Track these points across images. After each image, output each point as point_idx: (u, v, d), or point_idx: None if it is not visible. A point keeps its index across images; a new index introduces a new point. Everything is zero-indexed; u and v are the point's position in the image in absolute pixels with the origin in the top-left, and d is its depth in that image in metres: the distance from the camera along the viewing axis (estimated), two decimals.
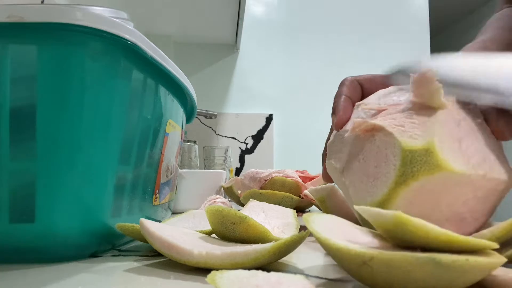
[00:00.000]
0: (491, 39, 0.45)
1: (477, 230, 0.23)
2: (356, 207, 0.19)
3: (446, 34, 2.63)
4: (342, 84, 0.33)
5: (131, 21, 0.37)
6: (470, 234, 0.23)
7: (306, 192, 0.60)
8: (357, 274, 0.19)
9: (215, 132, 1.42)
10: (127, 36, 0.27)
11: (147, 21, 1.21)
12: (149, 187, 0.36)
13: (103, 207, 0.28)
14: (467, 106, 0.25)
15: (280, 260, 0.27)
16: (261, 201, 0.40)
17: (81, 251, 0.28)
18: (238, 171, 1.42)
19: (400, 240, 0.19)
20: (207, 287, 0.20)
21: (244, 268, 0.21)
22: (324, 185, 0.51)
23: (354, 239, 0.21)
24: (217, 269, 0.21)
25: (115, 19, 0.27)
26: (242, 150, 1.43)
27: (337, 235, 0.20)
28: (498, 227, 0.21)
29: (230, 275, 0.17)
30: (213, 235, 0.30)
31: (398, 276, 0.17)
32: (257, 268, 0.19)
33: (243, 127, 1.44)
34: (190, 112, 0.48)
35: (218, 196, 0.53)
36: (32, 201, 0.25)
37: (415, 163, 0.22)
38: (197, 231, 0.30)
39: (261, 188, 0.61)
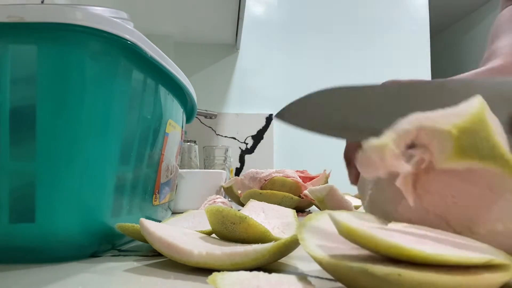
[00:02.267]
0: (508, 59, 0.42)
1: None
2: (328, 212, 0.18)
3: (446, 34, 2.63)
4: None
5: (131, 21, 0.37)
6: None
7: (306, 192, 0.60)
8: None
9: (215, 132, 1.42)
10: (127, 36, 0.27)
11: (147, 21, 1.21)
12: (149, 187, 0.36)
13: (103, 207, 0.28)
14: None
15: (280, 260, 0.26)
16: (261, 201, 0.40)
17: (81, 251, 0.28)
18: (238, 171, 1.42)
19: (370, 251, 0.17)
20: (207, 287, 0.20)
21: (244, 268, 0.21)
22: (323, 185, 0.52)
23: (338, 244, 0.20)
24: (217, 269, 0.21)
25: (115, 19, 0.27)
26: (242, 150, 1.43)
27: (327, 241, 0.20)
28: None
29: (231, 276, 0.17)
30: (213, 235, 0.30)
31: (347, 282, 0.17)
32: (257, 269, 0.19)
33: (243, 127, 1.44)
34: (190, 112, 0.48)
35: (218, 196, 0.53)
36: (32, 201, 0.25)
37: None
38: (197, 231, 0.30)
39: (261, 188, 0.61)
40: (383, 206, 0.22)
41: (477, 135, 0.17)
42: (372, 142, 0.19)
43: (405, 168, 0.19)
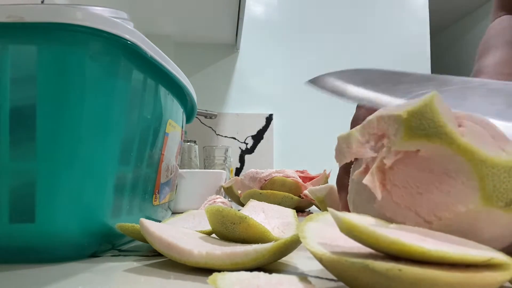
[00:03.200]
0: (502, 61, 0.44)
1: None
2: (329, 209, 0.18)
3: (446, 34, 2.63)
4: (360, 106, 0.31)
5: (131, 21, 0.37)
6: None
7: (306, 192, 0.60)
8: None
9: (215, 132, 1.42)
10: (127, 36, 0.27)
11: (147, 21, 1.21)
12: (149, 187, 0.36)
13: (103, 207, 0.28)
14: None
15: (280, 260, 0.26)
16: (261, 201, 0.40)
17: (81, 251, 0.28)
18: (238, 171, 1.42)
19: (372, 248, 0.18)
20: (207, 287, 0.20)
21: (244, 268, 0.21)
22: (323, 185, 0.52)
23: (338, 242, 0.20)
24: (217, 269, 0.21)
25: (115, 19, 0.27)
26: (242, 150, 1.43)
27: (328, 240, 0.20)
28: None
29: (231, 276, 0.17)
30: (213, 235, 0.30)
31: (347, 280, 0.17)
32: (258, 269, 0.19)
33: (243, 127, 1.44)
34: (190, 112, 0.48)
35: (218, 196, 0.53)
36: (32, 201, 0.25)
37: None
38: (197, 231, 0.30)
39: (261, 188, 0.61)
40: (363, 208, 0.23)
41: (423, 117, 0.19)
42: (342, 133, 0.22)
43: (368, 153, 0.21)
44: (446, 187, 0.19)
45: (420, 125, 0.19)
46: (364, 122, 0.22)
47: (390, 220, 0.21)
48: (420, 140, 0.19)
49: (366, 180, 0.20)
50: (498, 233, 0.20)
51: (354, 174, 0.23)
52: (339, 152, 0.23)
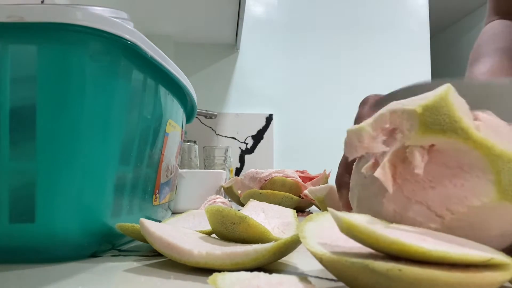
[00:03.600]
0: (493, 69, 0.44)
1: None
2: (329, 209, 0.18)
3: (446, 34, 2.63)
4: (364, 103, 0.31)
5: (131, 21, 0.37)
6: None
7: (306, 192, 0.60)
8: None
9: (215, 132, 1.42)
10: (127, 36, 0.27)
11: (147, 21, 1.21)
12: (149, 187, 0.36)
13: (103, 207, 0.28)
14: None
15: (280, 260, 0.26)
16: (261, 201, 0.40)
17: (81, 251, 0.28)
18: (238, 171, 1.42)
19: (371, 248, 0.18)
20: (207, 287, 0.20)
21: (244, 268, 0.21)
22: (323, 185, 0.52)
23: (338, 242, 0.20)
24: (217, 269, 0.21)
25: (115, 19, 0.27)
26: (242, 150, 1.43)
27: (328, 240, 0.20)
28: None
29: (231, 276, 0.17)
30: (213, 235, 0.30)
31: (347, 280, 0.17)
32: (258, 269, 0.19)
33: (243, 127, 1.44)
34: (190, 112, 0.48)
35: (218, 196, 0.53)
36: (32, 201, 0.25)
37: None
38: (197, 231, 0.30)
39: (261, 188, 0.61)
40: (369, 203, 0.23)
41: (438, 112, 0.19)
42: (353, 127, 0.21)
43: (380, 148, 0.21)
44: (460, 181, 0.19)
45: (436, 120, 0.19)
46: (376, 115, 0.21)
47: (399, 215, 0.21)
48: (436, 135, 0.19)
49: (378, 173, 0.20)
50: (509, 229, 0.19)
51: (364, 168, 0.22)
52: (349, 146, 0.22)
